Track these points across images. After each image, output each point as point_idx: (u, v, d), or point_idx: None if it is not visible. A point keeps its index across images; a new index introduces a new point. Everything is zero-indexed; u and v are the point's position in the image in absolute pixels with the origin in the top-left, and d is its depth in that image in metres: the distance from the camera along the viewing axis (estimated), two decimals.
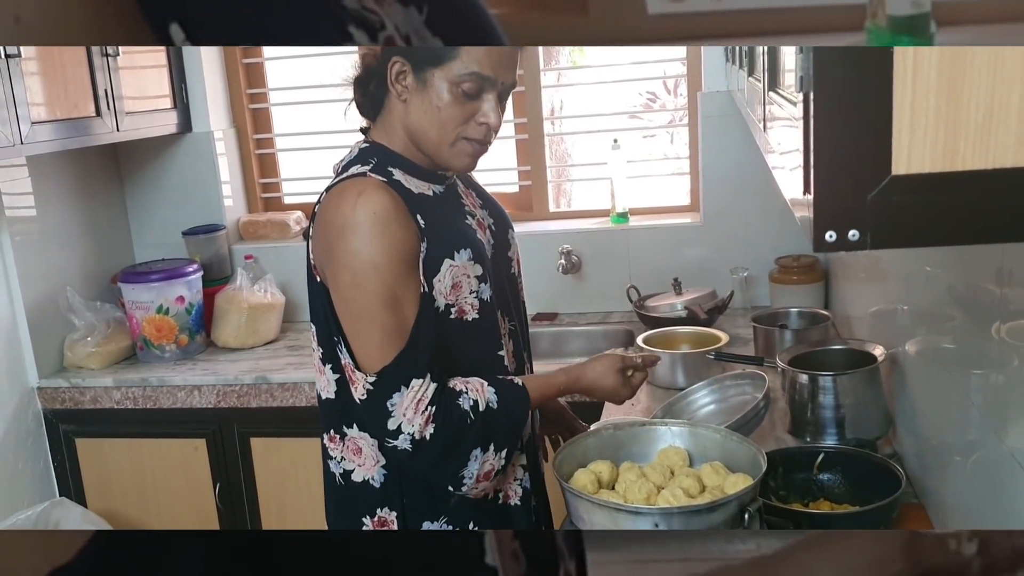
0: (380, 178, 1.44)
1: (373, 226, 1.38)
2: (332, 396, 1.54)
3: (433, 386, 1.42)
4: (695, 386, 2.08)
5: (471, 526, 1.55)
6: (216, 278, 3.15)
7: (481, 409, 1.45)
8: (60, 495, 2.91)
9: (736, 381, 2.04)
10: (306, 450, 2.75)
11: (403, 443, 1.42)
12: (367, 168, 1.46)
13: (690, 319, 2.69)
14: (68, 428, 2.90)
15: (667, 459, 1.53)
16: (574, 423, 1.86)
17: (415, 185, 1.49)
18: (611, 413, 2.21)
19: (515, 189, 3.27)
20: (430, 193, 1.51)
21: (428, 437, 1.41)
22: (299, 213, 3.36)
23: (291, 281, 3.22)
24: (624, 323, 2.99)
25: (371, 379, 1.42)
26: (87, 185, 3.11)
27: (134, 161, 3.27)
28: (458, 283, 1.48)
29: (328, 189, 1.47)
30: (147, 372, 2.86)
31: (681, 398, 2.06)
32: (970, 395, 1.32)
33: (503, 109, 1.49)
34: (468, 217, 1.56)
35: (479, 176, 1.76)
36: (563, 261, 3.06)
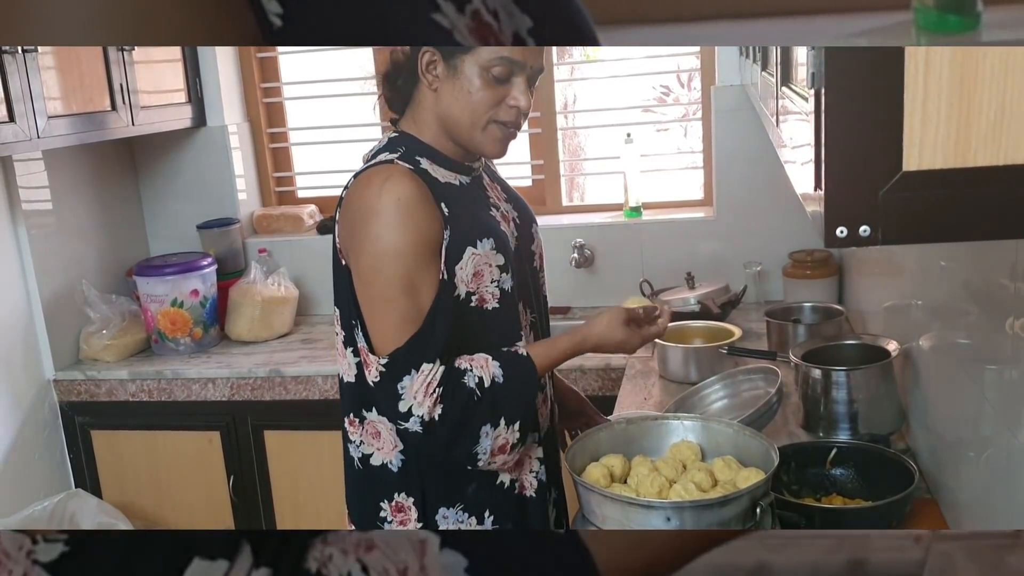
0: (407, 165, 1.47)
1: (397, 212, 1.41)
2: (352, 379, 1.56)
3: (442, 368, 1.44)
4: (708, 380, 2.08)
5: (487, 515, 1.56)
6: (230, 271, 3.16)
7: (487, 385, 1.45)
8: (76, 487, 2.93)
9: (749, 376, 2.04)
10: (319, 443, 2.77)
11: (414, 425, 1.44)
12: (395, 156, 1.49)
13: (703, 313, 2.69)
14: (84, 420, 2.92)
15: (679, 453, 1.53)
16: (595, 417, 1.86)
17: (441, 175, 1.52)
18: (625, 407, 2.21)
19: (528, 183, 3.27)
20: (456, 183, 1.54)
21: (437, 418, 1.43)
22: (313, 207, 3.37)
23: (305, 274, 3.24)
24: None
25: (383, 361, 1.44)
26: (102, 179, 3.13)
27: (149, 155, 3.29)
28: (480, 271, 1.49)
29: (356, 175, 1.50)
30: (162, 365, 2.88)
31: (694, 392, 2.06)
32: (984, 390, 1.31)
33: (532, 92, 1.51)
34: (492, 209, 1.58)
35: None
36: (576, 255, 3.06)
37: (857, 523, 1.49)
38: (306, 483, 2.84)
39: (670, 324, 2.49)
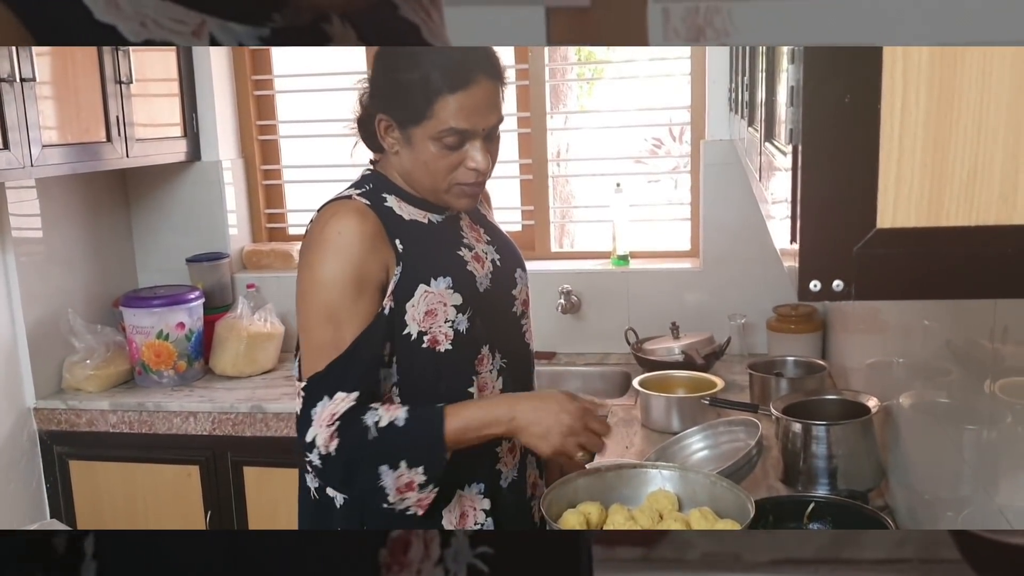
0: (364, 201, 1.49)
1: (332, 245, 1.44)
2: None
3: (353, 403, 1.42)
4: (689, 431, 2.08)
5: None
6: (217, 306, 3.16)
7: (383, 425, 1.42)
8: (51, 517, 2.90)
9: (730, 427, 2.04)
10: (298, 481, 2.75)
11: (315, 458, 1.43)
12: (357, 192, 1.52)
13: (687, 363, 2.70)
14: (63, 450, 2.89)
15: (656, 503, 1.53)
16: None
17: (408, 212, 1.54)
18: (606, 455, 2.21)
19: (518, 228, 3.29)
20: (424, 221, 1.55)
21: (333, 452, 1.41)
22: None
23: (292, 311, 3.18)
24: (621, 365, 2.99)
25: (303, 386, 1.44)
26: (94, 209, 3.14)
27: (142, 187, 3.30)
28: (433, 310, 1.49)
29: (318, 209, 1.53)
30: (144, 397, 2.86)
31: (675, 442, 2.06)
32: (962, 450, 1.32)
33: (496, 143, 1.52)
34: (463, 248, 1.58)
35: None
36: (563, 300, 3.08)
37: None
38: (284, 520, 2.81)
39: (653, 373, 2.52)
